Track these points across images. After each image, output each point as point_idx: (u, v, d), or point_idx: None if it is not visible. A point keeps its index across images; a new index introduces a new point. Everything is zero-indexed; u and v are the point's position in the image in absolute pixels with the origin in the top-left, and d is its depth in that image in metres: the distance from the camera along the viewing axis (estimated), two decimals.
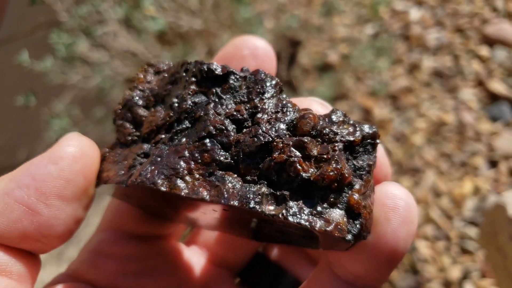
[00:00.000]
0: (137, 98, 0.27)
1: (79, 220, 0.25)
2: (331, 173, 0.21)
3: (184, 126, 0.24)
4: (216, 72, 0.24)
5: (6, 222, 0.22)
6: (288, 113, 0.23)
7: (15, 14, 1.36)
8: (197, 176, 0.22)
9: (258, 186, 0.21)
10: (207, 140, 0.22)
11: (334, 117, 0.23)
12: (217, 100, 0.23)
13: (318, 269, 0.26)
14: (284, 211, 0.21)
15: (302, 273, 0.34)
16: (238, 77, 0.24)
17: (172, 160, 0.22)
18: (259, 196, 0.21)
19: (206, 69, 0.24)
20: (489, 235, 0.71)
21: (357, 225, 0.21)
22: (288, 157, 0.21)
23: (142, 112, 0.26)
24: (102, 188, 0.26)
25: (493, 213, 0.68)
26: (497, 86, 1.20)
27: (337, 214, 0.21)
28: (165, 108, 0.25)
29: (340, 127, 0.23)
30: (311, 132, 0.22)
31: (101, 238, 0.30)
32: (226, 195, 0.21)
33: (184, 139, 0.23)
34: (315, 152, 0.22)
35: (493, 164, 1.12)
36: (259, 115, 0.23)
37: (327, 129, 0.22)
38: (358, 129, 0.23)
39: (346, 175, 0.21)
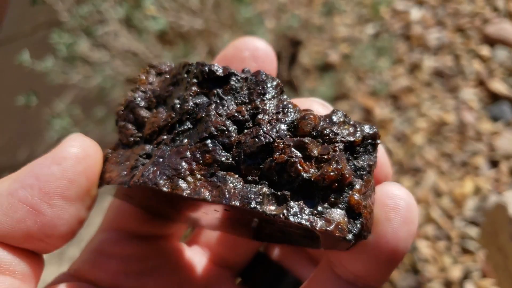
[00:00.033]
0: (139, 99, 0.27)
1: (82, 220, 0.25)
2: (331, 173, 0.21)
3: (185, 127, 0.24)
4: (218, 74, 0.24)
5: (10, 222, 0.22)
6: (289, 113, 0.23)
7: (16, 14, 1.36)
8: (199, 176, 0.22)
9: (259, 186, 0.22)
10: (209, 141, 0.22)
11: (334, 118, 0.23)
12: (218, 101, 0.24)
13: (319, 269, 0.26)
14: (285, 211, 0.21)
15: (303, 273, 0.34)
16: (239, 78, 0.24)
17: (174, 160, 0.22)
18: (260, 196, 0.21)
19: (207, 71, 0.24)
20: (490, 235, 0.71)
21: (358, 225, 0.21)
22: (289, 158, 0.21)
23: (144, 113, 0.26)
24: (104, 188, 0.26)
25: (494, 213, 0.68)
26: (498, 86, 1.20)
27: (337, 214, 0.21)
28: (167, 109, 0.25)
29: (341, 128, 0.23)
30: (312, 133, 0.22)
31: (103, 238, 0.30)
32: (227, 196, 0.21)
33: (186, 140, 0.23)
34: (315, 152, 0.22)
35: (494, 164, 1.12)
36: (260, 116, 0.23)
37: (327, 130, 0.22)
38: (358, 129, 0.23)
39: (347, 175, 0.21)
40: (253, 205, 0.21)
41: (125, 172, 0.24)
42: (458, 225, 1.05)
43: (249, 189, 0.21)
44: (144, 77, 0.28)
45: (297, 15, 1.12)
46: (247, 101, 0.23)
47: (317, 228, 0.20)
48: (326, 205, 0.21)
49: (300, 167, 0.21)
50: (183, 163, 0.22)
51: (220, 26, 1.11)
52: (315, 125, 0.22)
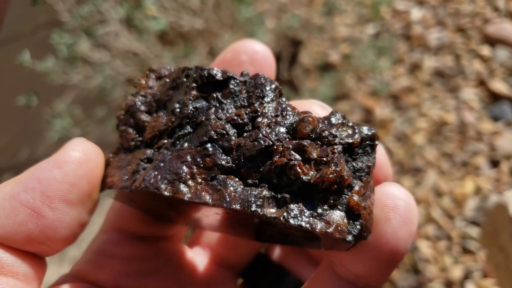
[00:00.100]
0: (139, 103, 0.27)
1: (83, 224, 0.25)
2: (330, 176, 0.21)
3: (186, 131, 0.24)
4: (217, 78, 0.24)
5: (11, 225, 0.23)
6: (287, 116, 0.23)
7: (16, 14, 1.37)
8: (200, 180, 0.22)
9: (259, 189, 0.22)
10: (209, 145, 0.23)
11: (333, 120, 0.23)
12: (217, 105, 0.24)
13: (320, 269, 0.26)
14: (285, 213, 0.21)
15: (304, 273, 0.34)
16: (238, 81, 0.24)
17: (174, 165, 0.22)
18: (261, 200, 0.21)
19: (206, 75, 0.24)
20: (491, 235, 0.71)
21: (357, 226, 0.21)
22: (288, 161, 0.21)
23: (144, 117, 0.26)
24: (105, 191, 0.26)
25: (495, 212, 0.68)
26: (499, 85, 1.20)
27: (337, 215, 0.21)
28: (167, 113, 0.25)
29: (339, 130, 0.23)
30: (311, 135, 0.22)
31: (105, 239, 0.30)
32: (228, 199, 0.21)
33: (186, 144, 0.23)
34: (314, 155, 0.22)
35: (494, 163, 1.12)
36: (259, 119, 0.23)
37: (326, 132, 0.23)
38: (357, 131, 0.23)
39: (346, 177, 0.21)
40: (253, 208, 0.21)
41: (127, 177, 0.24)
42: (458, 225, 1.05)
43: (249, 192, 0.21)
44: (144, 82, 0.28)
45: (297, 15, 1.12)
46: (246, 104, 0.24)
47: (317, 230, 0.21)
48: (325, 207, 0.21)
49: (299, 170, 0.21)
50: (184, 167, 0.22)
51: (220, 26, 1.11)
52: (314, 127, 0.23)
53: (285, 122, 0.23)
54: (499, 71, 1.22)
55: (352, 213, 0.21)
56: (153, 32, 1.01)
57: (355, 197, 0.22)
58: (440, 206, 1.08)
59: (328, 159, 0.22)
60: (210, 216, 0.25)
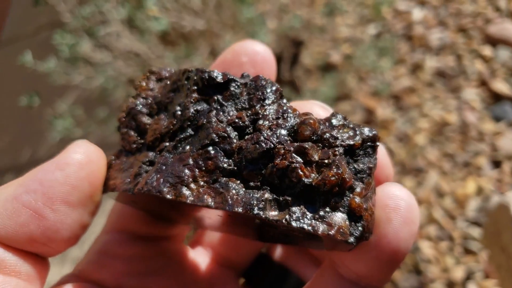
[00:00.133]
0: (140, 106, 0.27)
1: (85, 226, 0.25)
2: (332, 178, 0.21)
3: (187, 134, 0.24)
4: (217, 80, 0.24)
5: (14, 226, 0.23)
6: (288, 118, 0.23)
7: (18, 15, 1.37)
8: (202, 183, 0.22)
9: (261, 192, 0.22)
10: (210, 148, 0.23)
11: (334, 121, 0.23)
12: (219, 107, 0.24)
13: (322, 269, 0.26)
14: (287, 216, 0.21)
15: (306, 273, 0.34)
16: (239, 84, 0.24)
17: (177, 168, 0.22)
18: (263, 202, 0.21)
19: (207, 77, 0.24)
20: (493, 235, 0.71)
21: (359, 228, 0.21)
22: (290, 163, 0.21)
23: (145, 120, 0.26)
24: (107, 193, 0.26)
25: (497, 213, 0.68)
26: (500, 86, 1.20)
27: (339, 217, 0.21)
28: (168, 115, 0.25)
29: (340, 131, 0.23)
30: (312, 137, 0.22)
31: (107, 239, 0.30)
32: (230, 202, 0.21)
33: (187, 147, 0.23)
34: (316, 157, 0.22)
35: (496, 164, 1.11)
36: (261, 122, 0.23)
37: (327, 134, 0.23)
38: (358, 132, 0.23)
39: (347, 179, 0.22)
40: (255, 211, 0.21)
41: (129, 179, 0.24)
42: (460, 226, 1.05)
43: (251, 195, 0.21)
44: (144, 84, 0.28)
45: (299, 15, 1.12)
46: (247, 106, 0.24)
47: (319, 233, 0.21)
48: (327, 209, 0.21)
49: (301, 173, 0.21)
50: (186, 170, 0.22)
51: (222, 26, 1.11)
52: (315, 129, 0.23)
53: (286, 124, 0.23)
54: (500, 71, 1.22)
55: (354, 215, 0.21)
56: (155, 33, 1.01)
57: (357, 199, 0.22)
58: (441, 206, 1.08)
59: (330, 161, 0.22)
60: (212, 217, 0.26)
